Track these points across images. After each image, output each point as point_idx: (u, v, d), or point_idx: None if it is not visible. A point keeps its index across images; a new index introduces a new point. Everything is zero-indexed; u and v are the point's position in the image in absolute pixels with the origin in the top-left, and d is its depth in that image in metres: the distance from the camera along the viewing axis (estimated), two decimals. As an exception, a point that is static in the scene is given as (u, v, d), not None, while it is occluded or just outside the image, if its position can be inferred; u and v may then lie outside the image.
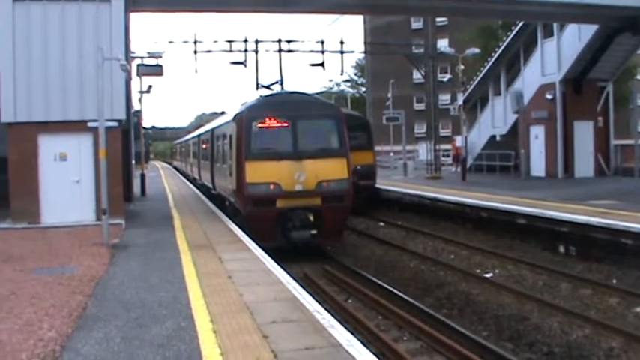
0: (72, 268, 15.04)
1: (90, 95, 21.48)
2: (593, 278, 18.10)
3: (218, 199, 29.77)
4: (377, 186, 36.56)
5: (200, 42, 39.31)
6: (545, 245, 22.10)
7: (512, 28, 44.92)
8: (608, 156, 39.79)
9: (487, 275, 19.57)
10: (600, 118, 39.49)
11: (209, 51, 39.41)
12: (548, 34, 40.60)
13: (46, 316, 10.73)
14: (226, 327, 9.84)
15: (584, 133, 38.82)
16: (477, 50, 46.41)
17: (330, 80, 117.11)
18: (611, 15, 32.74)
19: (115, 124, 22.55)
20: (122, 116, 23.53)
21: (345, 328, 10.27)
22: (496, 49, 47.24)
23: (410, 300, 16.60)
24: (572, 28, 38.28)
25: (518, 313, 15.46)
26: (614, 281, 17.76)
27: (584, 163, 38.75)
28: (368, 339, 13.31)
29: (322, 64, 41.38)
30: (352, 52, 46.83)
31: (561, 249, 21.37)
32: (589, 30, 36.41)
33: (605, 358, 12.57)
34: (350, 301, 17.29)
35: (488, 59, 48.02)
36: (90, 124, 21.32)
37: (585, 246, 20.33)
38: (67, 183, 23.11)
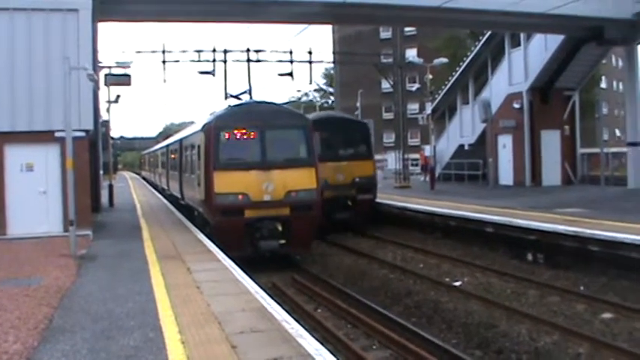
0: (38, 279, 14.86)
1: (57, 105, 21.26)
2: (561, 285, 18.22)
3: (187, 210, 29.64)
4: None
5: (168, 52, 39.13)
6: (513, 253, 22.23)
7: (480, 37, 45.26)
8: (575, 164, 40.11)
9: (456, 283, 19.63)
10: (567, 127, 39.80)
11: (177, 61, 39.25)
12: (516, 43, 40.95)
13: (11, 328, 10.59)
14: (194, 338, 9.79)
15: (551, 141, 39.15)
16: (445, 60, 46.75)
17: (299, 90, 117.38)
18: (576, 25, 33.12)
19: (83, 134, 22.41)
20: (90, 126, 23.34)
21: (314, 337, 10.24)
22: (464, 59, 47.57)
23: (379, 309, 16.61)
24: (538, 38, 38.67)
25: (487, 321, 15.51)
26: (582, 288, 17.89)
27: (552, 172, 39.06)
28: (337, 348, 13.30)
29: (291, 74, 41.37)
30: (321, 61, 47.15)
31: (529, 257, 21.49)
32: (555, 40, 36.81)
33: (572, 364, 12.67)
34: (319, 310, 17.28)
35: (457, 68, 48.32)
36: (57, 134, 21.18)
37: (553, 254, 20.48)
38: (33, 194, 22.83)
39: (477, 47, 45.22)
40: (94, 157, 29.02)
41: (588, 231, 19.33)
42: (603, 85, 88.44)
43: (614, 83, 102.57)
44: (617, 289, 17.27)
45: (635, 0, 31.68)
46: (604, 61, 58.58)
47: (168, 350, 9.24)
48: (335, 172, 30.05)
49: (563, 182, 39.05)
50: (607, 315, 15.30)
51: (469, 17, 32.01)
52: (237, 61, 40.34)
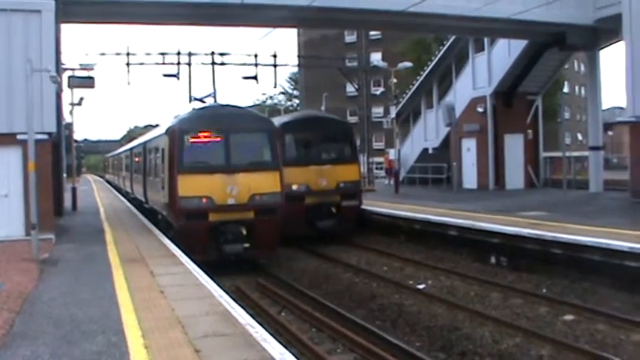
0: (-1, 284, 14.73)
1: (19, 107, 21.01)
2: (524, 288, 18.38)
3: (151, 213, 29.46)
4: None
5: (133, 54, 38.96)
6: (476, 256, 22.38)
7: (445, 42, 45.53)
8: (537, 168, 40.49)
9: (420, 287, 19.71)
10: (530, 131, 40.18)
11: (142, 63, 39.07)
12: (480, 48, 41.25)
13: (-29, 333, 10.48)
14: (158, 342, 9.74)
15: (514, 145, 39.49)
16: (409, 64, 47.03)
17: (264, 94, 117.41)
18: (539, 31, 33.42)
19: (45, 136, 22.23)
20: (52, 129, 23.14)
21: (278, 341, 10.24)
22: (429, 63, 47.81)
23: (343, 312, 16.62)
24: (502, 43, 39.02)
25: (451, 324, 15.59)
26: (544, 290, 18.05)
27: (515, 175, 39.40)
28: (301, 352, 13.27)
29: (255, 77, 41.36)
30: (285, 65, 46.89)
31: (492, 260, 21.65)
32: (519, 45, 37.19)
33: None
34: (283, 314, 17.22)
35: (421, 72, 48.55)
36: (19, 137, 20.99)
37: (516, 256, 20.65)
38: (-6, 197, 22.60)
39: (442, 52, 45.48)
40: (57, 159, 28.76)
41: (550, 234, 19.53)
42: (566, 89, 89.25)
43: (577, 88, 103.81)
44: (579, 291, 17.47)
45: (597, 7, 32.06)
46: (566, 67, 59.12)
47: (131, 355, 9.19)
48: (317, 176, 28.36)
49: (526, 186, 39.39)
50: (569, 317, 15.45)
51: (433, 22, 32.16)
52: (202, 64, 40.27)
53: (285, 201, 23.24)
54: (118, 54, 38.96)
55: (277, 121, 29.68)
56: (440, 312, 16.73)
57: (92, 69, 38.81)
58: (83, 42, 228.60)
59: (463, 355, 13.58)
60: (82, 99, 46.10)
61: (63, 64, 33.43)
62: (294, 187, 27.10)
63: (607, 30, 32.54)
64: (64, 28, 28.84)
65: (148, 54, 39.24)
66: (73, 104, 43.22)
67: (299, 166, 27.43)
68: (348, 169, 29.24)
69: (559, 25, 32.25)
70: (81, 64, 38.46)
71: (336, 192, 28.62)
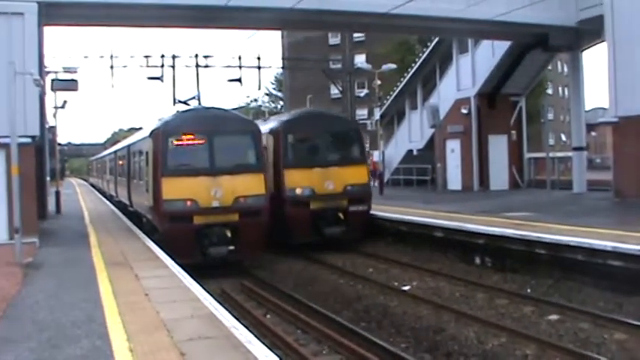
0: (-17, 288, 14.63)
1: (2, 110, 20.82)
2: (509, 288, 18.45)
3: (135, 216, 29.37)
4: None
5: (116, 57, 38.88)
6: (462, 257, 22.41)
7: (429, 43, 45.62)
8: (522, 169, 40.62)
9: (404, 288, 19.73)
10: (514, 132, 40.31)
11: (125, 66, 38.98)
12: (464, 49, 41.37)
13: (-46, 338, 10.42)
14: (143, 345, 9.71)
15: (498, 146, 39.60)
16: (393, 65, 47.02)
17: (247, 96, 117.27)
18: (522, 32, 33.56)
19: (29, 140, 22.12)
20: (36, 132, 23.04)
21: (263, 343, 10.23)
22: (412, 64, 47.87)
23: (328, 314, 16.62)
24: (486, 44, 39.14)
25: (436, 325, 15.62)
26: (529, 290, 18.11)
27: (499, 176, 39.51)
28: (286, 354, 13.27)
29: (239, 80, 41.34)
30: (269, 67, 46.86)
31: (477, 260, 21.69)
32: (502, 46, 37.31)
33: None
34: (268, 316, 17.21)
35: (405, 74, 48.61)
36: (2, 140, 20.86)
37: (501, 257, 20.70)
38: (-23, 201, 22.48)
39: (425, 53, 45.58)
40: (41, 163, 28.62)
41: (534, 234, 19.58)
42: (549, 91, 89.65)
43: (560, 89, 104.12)
44: (563, 291, 17.53)
45: (579, 8, 32.24)
46: (550, 68, 59.26)
47: (116, 358, 9.15)
48: (323, 179, 26.34)
49: (511, 187, 39.51)
50: (553, 316, 15.51)
51: (417, 23, 32.24)
52: (186, 66, 40.21)
53: (290, 206, 22.96)
54: (101, 57, 38.88)
55: (278, 119, 29.21)
56: (425, 313, 16.76)
57: (75, 72, 38.63)
58: (66, 45, 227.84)
59: (449, 355, 13.61)
60: (65, 102, 45.81)
61: (46, 67, 33.29)
62: (298, 190, 26.04)
63: (589, 31, 32.73)
64: (47, 30, 28.64)
65: (132, 57, 39.18)
66: (56, 107, 43.05)
67: (302, 168, 26.37)
68: (355, 170, 26.97)
69: (542, 26, 32.40)
70: (64, 67, 38.30)
71: (343, 196, 26.55)
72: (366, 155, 28.68)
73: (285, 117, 30.96)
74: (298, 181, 23.14)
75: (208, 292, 14.13)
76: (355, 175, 22.25)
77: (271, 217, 23.69)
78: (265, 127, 27.64)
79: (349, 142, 28.29)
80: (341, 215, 26.59)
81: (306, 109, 27.38)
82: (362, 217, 23.10)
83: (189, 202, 22.12)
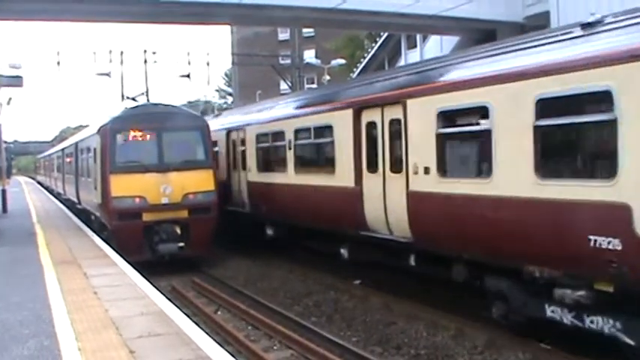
0: None
1: (-56, 108, 20.61)
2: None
3: (84, 214, 29.12)
4: None
5: (63, 53, 38.50)
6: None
7: (378, 38, 45.83)
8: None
9: (356, 282, 19.76)
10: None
11: (73, 62, 38.65)
12: (412, 45, 41.65)
13: None
14: (91, 344, 9.65)
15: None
16: (342, 61, 47.27)
17: (197, 94, 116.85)
18: (470, 27, 33.92)
19: (-27, 138, 21.80)
20: (-20, 130, 22.73)
21: (214, 340, 10.24)
22: (362, 60, 48.05)
23: (279, 309, 16.65)
24: (434, 40, 39.49)
25: (387, 319, 15.68)
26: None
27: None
28: (238, 350, 13.29)
29: (188, 75, 41.21)
30: (218, 62, 46.82)
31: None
32: (450, 41, 37.61)
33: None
34: (219, 312, 17.19)
35: (354, 69, 48.76)
36: (-55, 139, 20.54)
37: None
38: None
39: (374, 48, 45.81)
40: (-14, 161, 28.23)
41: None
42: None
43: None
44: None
45: (525, 4, 32.67)
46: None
47: (64, 358, 9.09)
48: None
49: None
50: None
51: (365, 18, 32.41)
52: (135, 62, 40.01)
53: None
54: (48, 52, 38.50)
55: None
56: (376, 307, 16.81)
57: (20, 68, 38.09)
58: (10, 40, 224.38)
59: (399, 348, 13.69)
60: (10, 99, 45.14)
61: (-10, 63, 32.84)
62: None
63: (536, 27, 33.08)
64: (-9, 26, 28.25)
65: (79, 52, 38.83)
66: (1, 104, 42.40)
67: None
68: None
69: (489, 22, 32.80)
70: (9, 64, 37.75)
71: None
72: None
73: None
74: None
75: (158, 289, 14.10)
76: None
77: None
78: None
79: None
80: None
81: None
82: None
83: (137, 199, 21.95)
